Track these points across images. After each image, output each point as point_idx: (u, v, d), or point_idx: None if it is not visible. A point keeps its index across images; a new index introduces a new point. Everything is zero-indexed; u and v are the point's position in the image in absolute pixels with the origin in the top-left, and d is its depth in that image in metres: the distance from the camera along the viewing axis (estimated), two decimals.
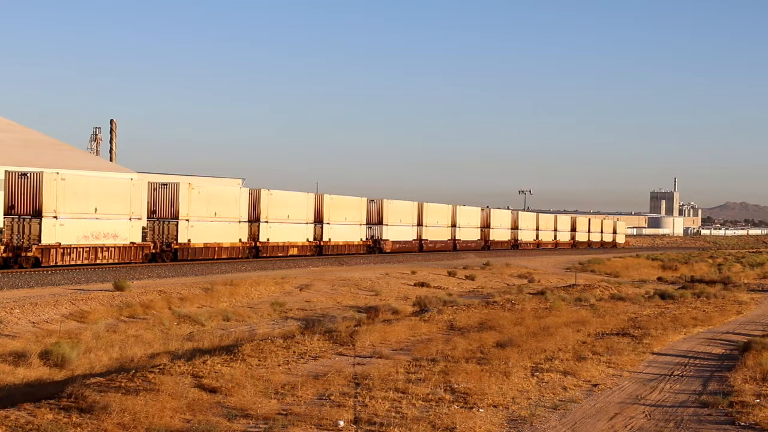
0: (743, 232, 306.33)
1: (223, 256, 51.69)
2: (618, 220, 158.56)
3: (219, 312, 29.88)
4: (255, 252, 55.32)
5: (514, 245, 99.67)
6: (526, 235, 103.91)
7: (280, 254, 57.52)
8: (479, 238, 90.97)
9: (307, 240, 61.03)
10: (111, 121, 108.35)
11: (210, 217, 50.50)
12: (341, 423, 12.08)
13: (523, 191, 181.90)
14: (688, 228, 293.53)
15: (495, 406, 13.60)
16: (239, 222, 53.19)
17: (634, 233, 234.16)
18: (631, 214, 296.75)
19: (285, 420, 12.15)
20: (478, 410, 13.27)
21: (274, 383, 14.38)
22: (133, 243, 45.15)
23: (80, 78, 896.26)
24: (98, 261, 42.72)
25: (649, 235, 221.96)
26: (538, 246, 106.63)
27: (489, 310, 27.66)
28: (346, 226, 66.14)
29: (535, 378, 16.01)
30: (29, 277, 36.17)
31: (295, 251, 59.44)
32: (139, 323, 27.06)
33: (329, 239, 63.72)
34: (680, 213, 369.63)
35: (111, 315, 27.99)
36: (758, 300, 37.10)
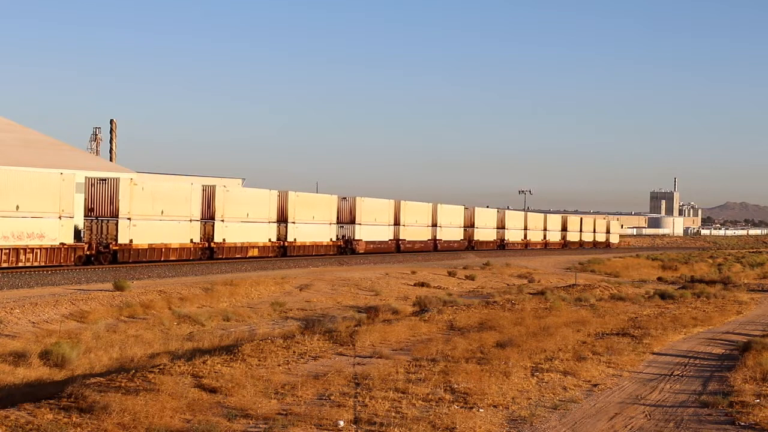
0: (743, 232, 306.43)
1: (172, 258, 47.91)
2: (612, 219, 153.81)
3: (219, 312, 29.88)
4: (209, 253, 51.40)
5: (501, 245, 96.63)
6: (513, 235, 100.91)
7: (237, 255, 53.66)
8: (462, 237, 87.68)
9: (270, 240, 57.03)
10: (111, 121, 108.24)
11: (156, 216, 46.72)
12: (341, 423, 12.08)
13: (523, 191, 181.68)
14: (688, 228, 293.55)
15: (495, 406, 13.60)
16: (190, 221, 49.40)
17: (634, 233, 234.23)
18: (631, 214, 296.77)
19: (285, 420, 12.15)
20: (478, 410, 13.27)
21: (274, 383, 14.38)
22: (63, 244, 41.18)
23: (80, 78, 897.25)
24: (20, 264, 38.80)
25: (649, 235, 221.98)
26: (526, 246, 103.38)
27: (489, 310, 27.66)
28: (313, 226, 62.29)
29: (535, 378, 16.01)
30: (29, 277, 36.17)
31: (255, 252, 55.59)
32: (139, 323, 27.06)
33: (294, 239, 59.88)
34: (680, 213, 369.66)
35: (111, 315, 28.00)
36: (758, 300, 37.10)
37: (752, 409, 13.71)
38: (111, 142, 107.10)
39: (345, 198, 67.57)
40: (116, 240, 44.33)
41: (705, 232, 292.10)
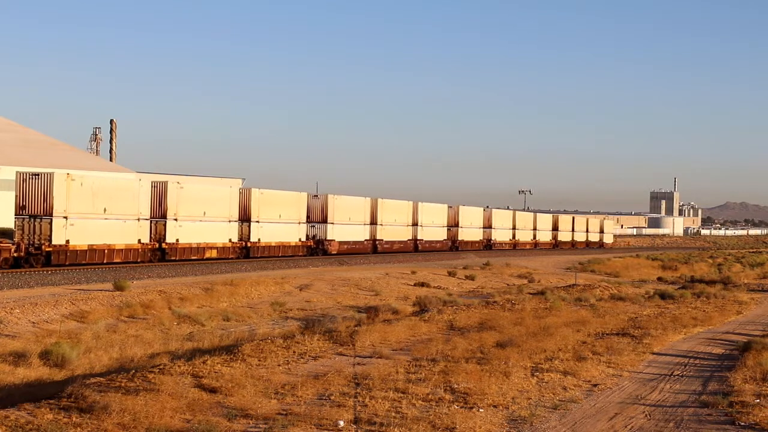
0: (743, 232, 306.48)
1: (116, 260, 44.06)
2: (606, 218, 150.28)
3: (219, 312, 29.89)
4: (160, 254, 47.60)
5: (487, 245, 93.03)
6: (501, 235, 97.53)
7: (193, 257, 49.66)
8: (446, 237, 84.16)
9: (230, 241, 53.03)
10: (111, 121, 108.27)
11: (97, 214, 42.95)
12: (341, 423, 12.07)
13: (523, 191, 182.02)
14: (688, 228, 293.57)
15: (495, 406, 13.60)
16: (138, 220, 45.43)
17: (634, 233, 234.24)
18: (631, 214, 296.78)
19: (285, 420, 12.14)
20: (478, 410, 13.27)
21: (274, 383, 14.38)
22: None
23: (80, 78, 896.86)
24: None
25: (649, 235, 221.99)
26: (514, 246, 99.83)
27: (489, 310, 27.66)
28: (280, 225, 58.26)
29: (535, 378, 16.01)
30: (29, 277, 36.16)
31: (213, 254, 51.52)
32: (139, 323, 27.06)
33: (258, 239, 55.89)
34: (680, 213, 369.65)
35: (111, 315, 28.00)
36: (758, 300, 37.10)
37: (752, 409, 13.71)
38: (111, 142, 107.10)
39: (316, 195, 64.28)
40: (50, 240, 40.59)
41: (705, 232, 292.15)
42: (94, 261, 42.82)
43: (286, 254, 58.80)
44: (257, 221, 55.80)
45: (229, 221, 52.99)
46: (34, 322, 25.61)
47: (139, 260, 45.79)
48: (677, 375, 17.42)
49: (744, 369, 17.40)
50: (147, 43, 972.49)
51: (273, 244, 57.50)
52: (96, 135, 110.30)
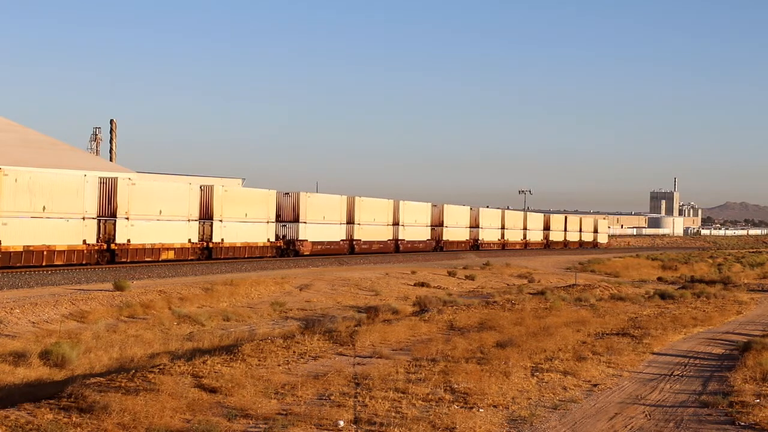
0: (743, 232, 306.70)
1: (57, 262, 40.64)
2: (600, 218, 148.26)
3: (219, 312, 29.90)
4: (110, 256, 44.13)
5: (474, 246, 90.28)
6: (488, 235, 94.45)
7: (147, 258, 46.23)
8: (429, 237, 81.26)
9: (189, 241, 49.51)
10: (111, 121, 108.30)
11: (35, 213, 39.47)
12: (341, 423, 12.08)
13: (523, 191, 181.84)
14: (688, 228, 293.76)
15: (495, 406, 13.60)
16: (83, 219, 41.85)
17: (634, 233, 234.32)
18: (631, 214, 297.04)
19: (285, 420, 12.15)
20: (478, 410, 13.28)
21: (274, 383, 14.38)
22: None
23: (80, 78, 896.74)
24: None
25: (649, 235, 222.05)
26: (503, 247, 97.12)
27: (489, 310, 27.66)
28: (246, 224, 54.91)
29: (535, 378, 16.01)
30: (29, 276, 36.16)
31: (170, 255, 48.03)
32: (139, 323, 27.07)
33: (221, 240, 52.39)
34: (680, 213, 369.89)
35: (111, 315, 28.01)
36: (758, 300, 37.11)
37: (752, 409, 13.71)
38: (111, 142, 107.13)
39: (287, 194, 61.06)
40: None
41: (705, 232, 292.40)
42: (31, 263, 39.36)
43: (252, 255, 55.53)
44: (220, 220, 52.50)
45: (189, 220, 49.56)
46: (34, 322, 25.62)
47: (84, 262, 42.28)
48: (677, 375, 17.42)
49: (744, 369, 17.40)
50: (147, 43, 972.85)
51: (238, 245, 54.20)
52: (96, 135, 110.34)
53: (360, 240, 68.86)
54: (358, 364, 16.62)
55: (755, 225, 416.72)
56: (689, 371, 17.94)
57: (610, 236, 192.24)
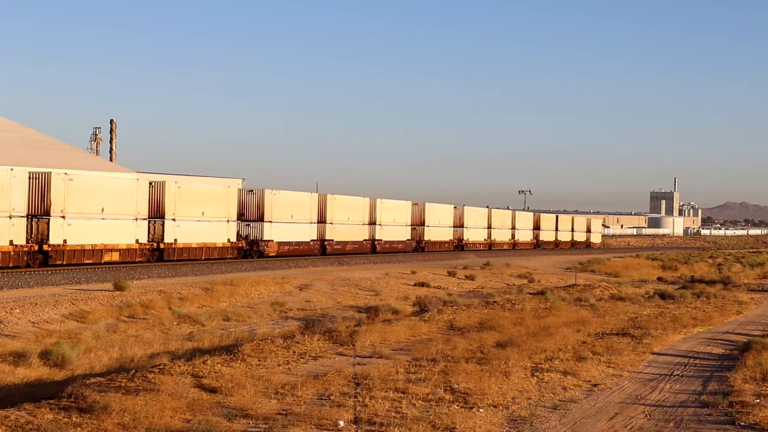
0: (743, 232, 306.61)
1: None
2: (593, 218, 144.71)
3: (219, 312, 29.90)
4: (42, 258, 40.30)
5: (459, 246, 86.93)
6: (474, 234, 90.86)
7: (87, 261, 42.32)
8: (409, 237, 77.67)
9: (137, 242, 45.70)
10: (111, 121, 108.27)
11: None
12: (341, 423, 12.08)
13: (523, 191, 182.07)
14: (688, 228, 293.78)
15: (495, 406, 13.60)
16: (10, 217, 38.06)
17: (634, 233, 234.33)
18: (631, 214, 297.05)
19: (285, 420, 12.15)
20: (478, 410, 13.28)
21: (274, 383, 14.38)
22: None
23: (80, 78, 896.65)
24: None
25: (649, 235, 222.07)
26: (489, 247, 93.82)
27: (489, 310, 27.66)
28: (203, 223, 50.92)
29: (535, 378, 16.02)
30: (29, 276, 36.15)
31: (114, 257, 44.14)
32: (139, 323, 27.07)
33: (174, 240, 48.57)
34: (680, 213, 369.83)
35: (111, 315, 28.01)
36: (758, 300, 37.11)
37: (752, 409, 13.72)
38: (111, 142, 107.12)
39: (251, 191, 57.76)
40: None
41: (705, 232, 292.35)
42: None
43: (211, 257, 51.63)
44: (173, 219, 48.59)
45: (136, 219, 45.68)
46: (34, 322, 25.62)
47: (11, 265, 38.32)
48: (677, 375, 17.42)
49: (744, 369, 17.40)
50: (147, 43, 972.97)
51: (194, 246, 50.17)
52: (96, 135, 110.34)
53: (332, 240, 65.30)
54: (358, 364, 16.62)
55: (755, 225, 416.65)
56: (689, 371, 17.94)
57: (611, 236, 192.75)
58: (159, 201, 48.20)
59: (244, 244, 55.52)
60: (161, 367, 15.47)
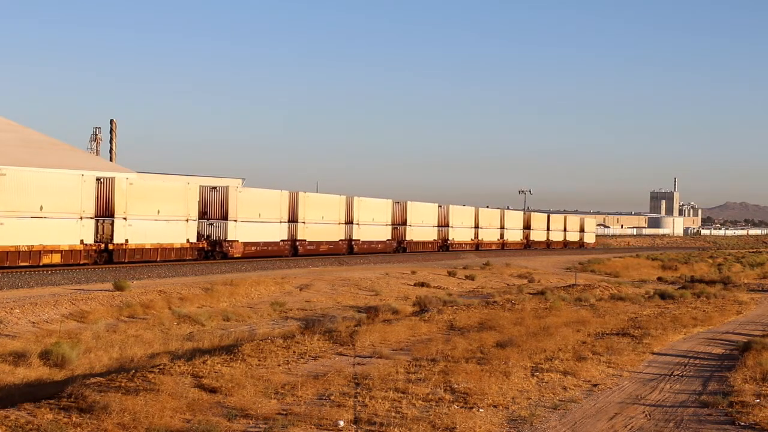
0: (743, 232, 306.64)
1: None
2: (587, 217, 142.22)
3: (219, 312, 29.91)
4: None
5: (443, 246, 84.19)
6: (460, 234, 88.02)
7: (23, 263, 38.79)
8: (389, 237, 74.32)
9: (82, 242, 41.99)
10: (111, 121, 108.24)
11: None
12: (341, 423, 12.08)
13: (523, 191, 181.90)
14: (688, 228, 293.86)
15: (495, 406, 13.61)
16: None
17: (634, 233, 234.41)
18: (631, 214, 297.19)
19: (285, 420, 12.15)
20: (478, 410, 13.28)
21: (274, 383, 14.39)
22: None
23: (80, 78, 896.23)
24: None
25: (649, 235, 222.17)
26: (477, 247, 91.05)
27: (489, 310, 27.67)
28: (159, 223, 47.24)
29: (535, 378, 16.02)
30: (29, 276, 36.15)
31: (55, 259, 40.62)
32: (139, 323, 27.08)
33: (125, 241, 44.85)
34: (680, 213, 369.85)
35: (111, 315, 28.02)
36: (758, 300, 37.12)
37: (752, 409, 13.72)
38: (111, 142, 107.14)
39: (215, 188, 54.28)
40: None
41: (705, 232, 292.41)
42: None
43: (168, 258, 48.04)
44: (124, 218, 44.89)
45: (81, 218, 41.96)
46: (34, 322, 25.62)
47: None
48: (677, 375, 17.43)
49: (744, 369, 17.41)
50: (147, 43, 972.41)
51: (148, 247, 46.56)
52: (96, 135, 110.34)
53: (305, 240, 61.96)
54: (358, 364, 16.63)
55: (755, 225, 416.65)
56: (689, 371, 17.95)
57: (611, 236, 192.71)
58: (108, 199, 44.67)
59: (206, 245, 51.91)
60: (161, 367, 15.47)
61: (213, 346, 21.44)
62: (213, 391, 13.68)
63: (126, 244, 45.13)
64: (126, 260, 44.98)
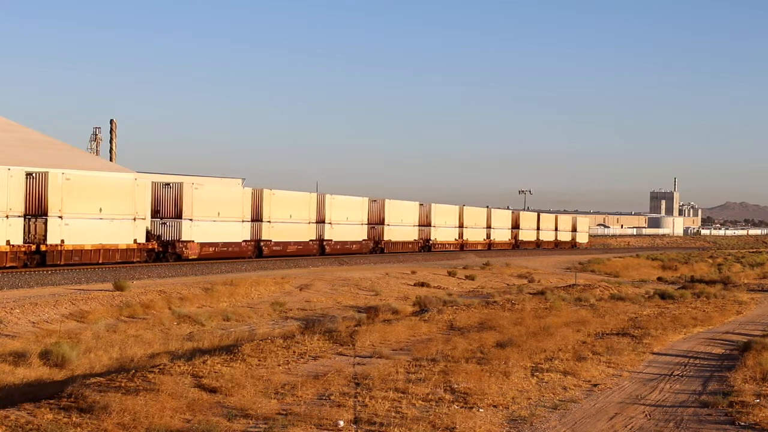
0: (743, 232, 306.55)
1: None
2: (580, 216, 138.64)
3: (219, 312, 29.91)
4: None
5: (425, 247, 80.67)
6: (442, 234, 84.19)
7: None
8: (366, 237, 70.69)
9: (8, 243, 38.14)
10: (111, 121, 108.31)
11: None
12: (341, 423, 12.08)
13: (523, 191, 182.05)
14: (688, 228, 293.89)
15: (495, 406, 13.61)
16: None
17: (634, 233, 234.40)
18: (631, 214, 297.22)
19: (285, 420, 12.15)
20: (478, 410, 13.28)
21: (274, 383, 14.39)
22: None
23: (80, 78, 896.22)
24: None
25: (649, 235, 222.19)
26: (461, 247, 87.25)
27: (489, 310, 27.67)
28: (102, 222, 43.14)
29: (535, 378, 16.02)
30: (29, 276, 36.14)
31: None
32: (139, 323, 27.08)
33: (61, 241, 40.79)
34: (680, 213, 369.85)
35: (111, 315, 28.02)
36: (758, 300, 37.11)
37: (752, 409, 13.72)
38: (111, 142, 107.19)
39: (168, 184, 50.16)
40: None
41: (705, 232, 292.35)
42: None
43: (111, 260, 43.96)
44: (59, 217, 40.84)
45: (8, 216, 38.15)
46: (34, 322, 25.62)
47: None
48: (677, 375, 17.43)
49: (744, 369, 17.41)
50: (147, 43, 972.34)
51: (87, 248, 42.44)
52: (96, 135, 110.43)
53: (270, 241, 58.23)
54: (358, 364, 16.63)
55: (755, 225, 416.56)
56: (689, 371, 17.95)
57: (611, 236, 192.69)
58: (40, 195, 40.51)
59: (156, 246, 48.03)
60: (161, 367, 15.48)
61: (213, 346, 21.44)
62: (213, 391, 13.68)
63: (62, 245, 41.03)
64: (62, 262, 41.02)
